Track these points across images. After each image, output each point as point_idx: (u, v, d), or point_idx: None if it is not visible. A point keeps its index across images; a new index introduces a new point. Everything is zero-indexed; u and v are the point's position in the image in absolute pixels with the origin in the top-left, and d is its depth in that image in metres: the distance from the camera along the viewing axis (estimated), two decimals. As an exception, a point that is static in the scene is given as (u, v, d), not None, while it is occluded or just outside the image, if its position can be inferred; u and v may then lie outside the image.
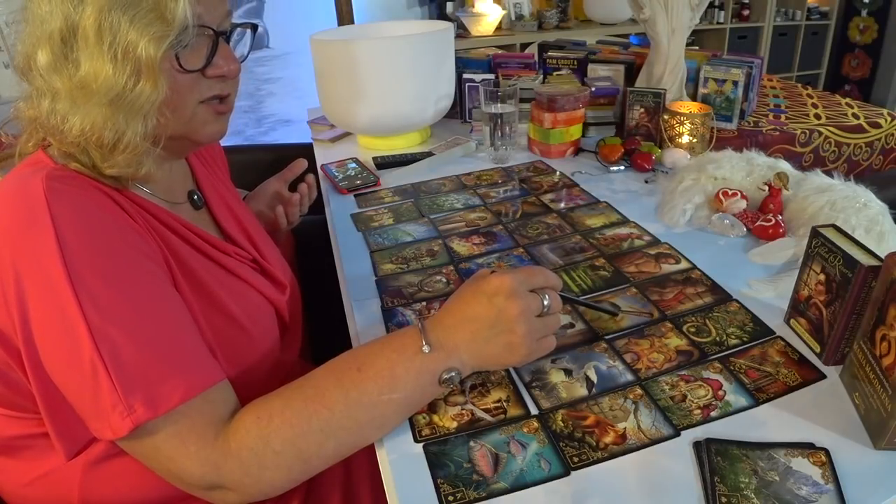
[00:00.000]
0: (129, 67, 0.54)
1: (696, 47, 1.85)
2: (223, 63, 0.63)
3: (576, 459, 0.53)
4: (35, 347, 0.52)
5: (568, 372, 0.63)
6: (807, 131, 1.34)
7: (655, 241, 0.87)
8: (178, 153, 0.71)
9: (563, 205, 1.01)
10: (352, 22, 2.71)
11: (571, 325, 0.70)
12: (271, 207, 1.00)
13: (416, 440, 0.56)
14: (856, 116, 1.41)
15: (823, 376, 0.60)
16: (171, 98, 0.58)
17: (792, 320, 0.67)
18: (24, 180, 0.54)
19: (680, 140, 1.17)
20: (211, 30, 0.61)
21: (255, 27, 0.70)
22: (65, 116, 0.55)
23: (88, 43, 0.54)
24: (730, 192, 0.91)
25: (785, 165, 0.95)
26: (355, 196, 1.11)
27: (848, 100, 1.54)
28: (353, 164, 1.24)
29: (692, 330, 0.68)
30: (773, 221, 0.85)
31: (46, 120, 0.57)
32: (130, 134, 0.56)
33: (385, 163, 1.24)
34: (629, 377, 0.62)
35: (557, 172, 1.15)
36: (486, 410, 0.59)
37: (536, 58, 1.56)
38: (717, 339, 0.66)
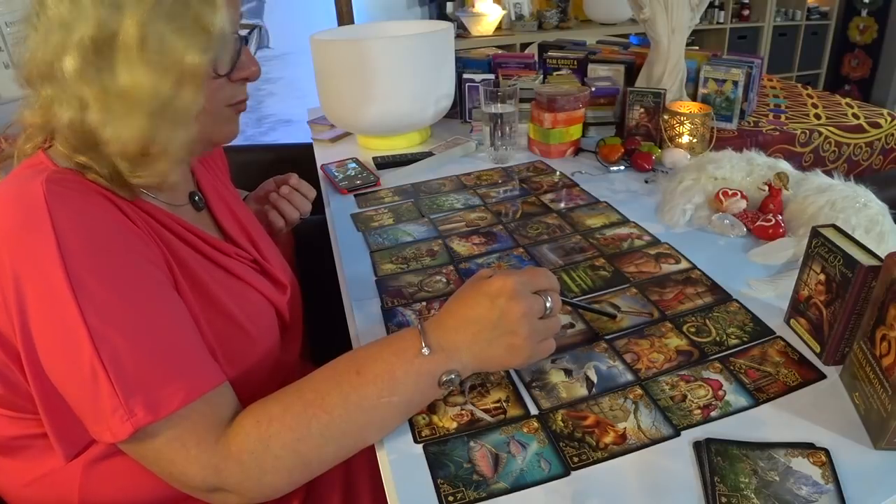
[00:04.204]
0: (173, 77, 0.54)
1: (696, 47, 1.85)
2: (247, 65, 0.65)
3: (576, 459, 0.53)
4: (35, 350, 0.52)
5: (568, 372, 0.63)
6: (807, 131, 1.34)
7: (655, 241, 0.87)
8: (193, 155, 0.71)
9: (563, 205, 1.01)
10: (352, 22, 2.71)
11: (571, 325, 0.70)
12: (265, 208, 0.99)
13: (416, 440, 0.56)
14: (856, 116, 1.41)
15: (823, 376, 0.60)
16: (206, 104, 0.59)
17: (792, 320, 0.67)
18: (24, 183, 0.54)
19: (680, 140, 1.17)
20: (237, 34, 0.62)
21: (259, 28, 0.71)
22: (101, 127, 0.54)
23: (130, 53, 0.53)
24: (730, 192, 0.91)
25: (785, 165, 0.95)
26: (355, 196, 1.11)
27: (848, 100, 1.54)
28: (353, 164, 1.24)
29: (692, 330, 0.68)
30: (773, 221, 0.85)
31: (69, 129, 0.55)
32: (176, 143, 0.57)
33: (385, 163, 1.24)
34: (629, 377, 0.62)
35: (557, 172, 1.15)
36: (486, 411, 0.59)
37: (536, 58, 1.55)
38: (717, 339, 0.66)
